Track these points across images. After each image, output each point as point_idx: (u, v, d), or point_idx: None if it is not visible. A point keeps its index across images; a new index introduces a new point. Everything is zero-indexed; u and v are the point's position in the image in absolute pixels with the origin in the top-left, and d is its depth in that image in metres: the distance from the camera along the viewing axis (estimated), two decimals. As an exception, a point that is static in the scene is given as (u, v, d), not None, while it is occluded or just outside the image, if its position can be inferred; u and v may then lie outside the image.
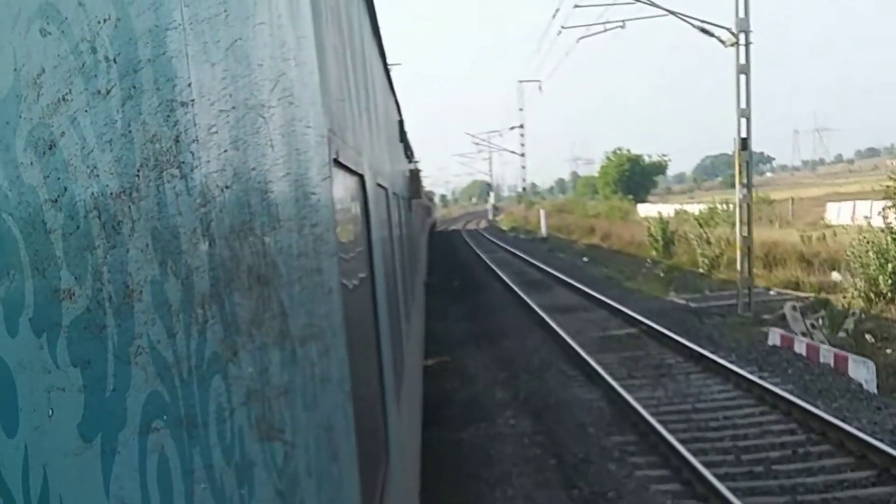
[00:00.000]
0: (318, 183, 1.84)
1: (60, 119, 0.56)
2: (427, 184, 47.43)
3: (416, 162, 18.06)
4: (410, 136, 13.40)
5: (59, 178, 0.55)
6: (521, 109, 58.79)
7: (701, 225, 26.45)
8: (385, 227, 5.02)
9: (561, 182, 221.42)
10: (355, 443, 2.26)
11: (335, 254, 2.16)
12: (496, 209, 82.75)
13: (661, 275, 23.22)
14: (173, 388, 0.80)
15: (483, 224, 75.69)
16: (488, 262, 31.03)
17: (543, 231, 46.33)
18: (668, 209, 46.22)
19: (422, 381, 9.66)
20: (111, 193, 0.64)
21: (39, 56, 0.53)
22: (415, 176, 12.60)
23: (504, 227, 63.98)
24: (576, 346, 13.30)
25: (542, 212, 49.91)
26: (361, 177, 3.27)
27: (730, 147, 17.27)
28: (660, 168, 77.91)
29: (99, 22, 0.63)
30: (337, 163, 2.31)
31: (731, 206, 31.40)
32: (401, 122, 9.48)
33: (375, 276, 3.65)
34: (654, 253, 28.39)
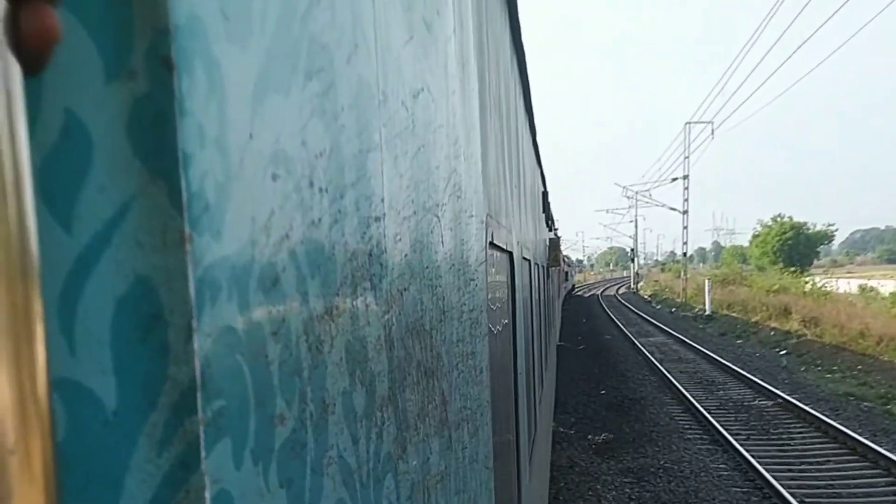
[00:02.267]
0: (476, 268, 1.87)
1: (282, 255, 0.59)
2: (564, 248, 45.89)
3: (556, 230, 18.00)
4: (550, 196, 13.26)
5: (279, 312, 0.58)
6: (686, 157, 48.16)
7: None
8: (526, 297, 5.01)
9: (702, 251, 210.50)
10: None
11: (486, 335, 2.17)
12: (638, 276, 79.63)
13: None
14: (354, 492, 0.81)
15: (622, 290, 72.85)
16: (646, 351, 21.83)
17: (707, 307, 36.68)
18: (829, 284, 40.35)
19: (551, 443, 9.28)
20: (317, 316, 0.67)
21: (269, 200, 0.57)
22: (554, 245, 12.56)
23: (646, 296, 60.45)
24: None
25: (707, 282, 38.64)
26: (510, 254, 3.30)
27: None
28: (826, 238, 71.70)
29: (316, 156, 0.68)
30: (491, 244, 2.34)
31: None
32: (545, 194, 9.55)
33: (517, 348, 3.62)
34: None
